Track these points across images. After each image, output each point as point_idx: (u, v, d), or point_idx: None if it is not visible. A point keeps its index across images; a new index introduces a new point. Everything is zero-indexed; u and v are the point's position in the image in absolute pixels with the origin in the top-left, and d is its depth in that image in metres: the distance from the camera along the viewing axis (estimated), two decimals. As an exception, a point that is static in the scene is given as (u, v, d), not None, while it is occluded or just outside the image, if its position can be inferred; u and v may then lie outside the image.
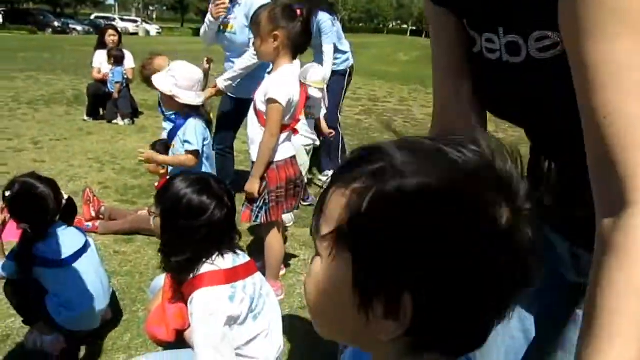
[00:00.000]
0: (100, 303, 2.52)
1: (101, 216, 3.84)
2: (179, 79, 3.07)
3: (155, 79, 3.16)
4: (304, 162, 4.20)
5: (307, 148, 4.32)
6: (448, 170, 0.52)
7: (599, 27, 0.67)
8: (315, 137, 4.44)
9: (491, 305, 0.55)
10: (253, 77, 3.87)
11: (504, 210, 0.53)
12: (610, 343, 0.60)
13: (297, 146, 4.13)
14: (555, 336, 1.08)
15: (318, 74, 4.18)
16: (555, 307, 1.08)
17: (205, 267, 1.92)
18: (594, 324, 0.63)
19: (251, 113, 2.86)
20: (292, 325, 2.77)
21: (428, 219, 0.51)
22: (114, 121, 7.43)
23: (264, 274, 2.74)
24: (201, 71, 3.51)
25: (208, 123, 3.38)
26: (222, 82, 3.99)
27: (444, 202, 0.51)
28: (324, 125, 4.64)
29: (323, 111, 4.55)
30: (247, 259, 2.08)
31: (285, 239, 3.52)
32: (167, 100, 3.17)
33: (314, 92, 4.15)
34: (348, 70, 5.41)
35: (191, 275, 1.92)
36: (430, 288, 0.52)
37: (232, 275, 1.95)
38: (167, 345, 2.14)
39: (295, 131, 2.96)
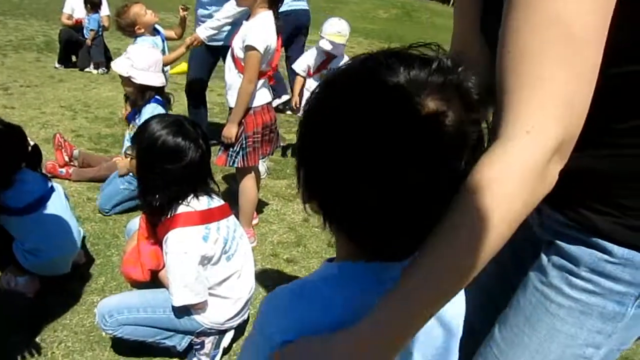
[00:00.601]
0: (69, 248, 2.53)
1: (74, 161, 3.82)
2: (135, 60, 3.13)
3: (114, 63, 3.23)
4: None
5: None
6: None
7: None
8: None
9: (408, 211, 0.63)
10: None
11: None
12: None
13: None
14: (508, 294, 1.07)
15: (333, 27, 4.08)
16: (526, 259, 1.07)
17: (180, 208, 1.97)
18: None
19: (229, 60, 2.86)
20: (264, 272, 2.86)
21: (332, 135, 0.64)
22: (87, 69, 7.27)
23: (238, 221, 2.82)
24: (159, 52, 3.50)
25: (166, 107, 3.34)
26: (203, 32, 3.92)
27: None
28: None
29: None
30: (222, 202, 2.13)
31: (258, 189, 3.57)
32: (126, 83, 3.20)
33: (324, 44, 4.06)
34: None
35: (166, 216, 1.98)
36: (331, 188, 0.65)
37: (207, 217, 2.01)
38: (141, 286, 2.20)
39: (271, 79, 2.98)
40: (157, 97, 3.21)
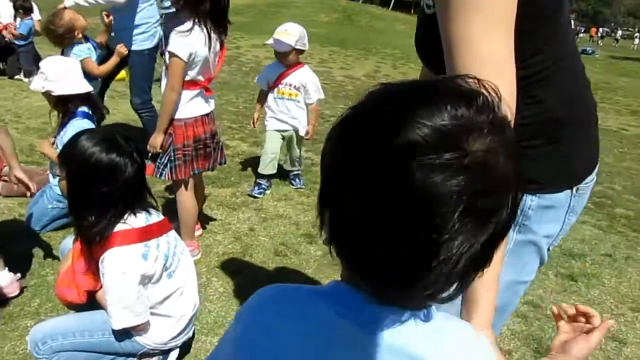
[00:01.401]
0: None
1: (4, 175, 3.61)
2: (48, 72, 2.91)
3: (30, 84, 3.06)
4: (273, 149, 4.06)
5: (285, 134, 4.11)
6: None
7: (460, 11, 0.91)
8: (297, 123, 4.08)
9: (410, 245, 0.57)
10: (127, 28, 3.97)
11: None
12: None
13: (270, 131, 4.09)
14: None
15: (282, 26, 3.89)
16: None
17: (117, 227, 1.88)
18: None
19: (163, 67, 2.77)
20: (210, 285, 2.79)
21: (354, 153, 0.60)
22: (17, 77, 6.95)
23: (179, 234, 2.72)
24: (74, 60, 3.33)
25: (99, 116, 3.16)
26: (68, 1, 3.81)
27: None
28: (313, 116, 4.14)
29: (318, 96, 4.12)
30: (161, 217, 2.05)
31: (204, 200, 3.49)
32: (48, 98, 2.98)
33: (269, 41, 3.86)
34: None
35: (102, 235, 1.88)
36: (345, 209, 0.61)
37: (145, 234, 1.92)
38: (79, 308, 2.09)
39: (208, 90, 2.88)
40: (84, 109, 2.98)
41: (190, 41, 2.59)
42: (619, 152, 6.90)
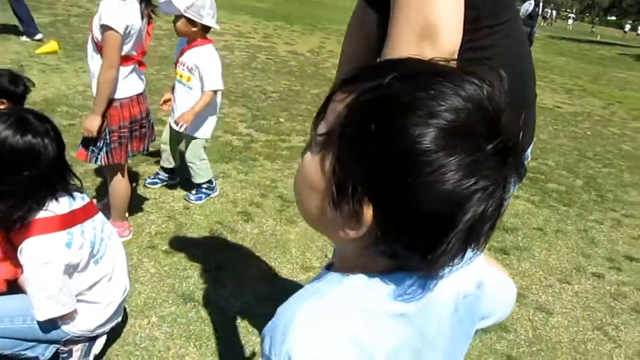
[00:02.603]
0: None
1: None
2: None
3: None
4: (164, 139, 3.48)
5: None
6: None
7: None
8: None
9: (453, 231, 0.57)
10: None
11: (484, 144, 0.56)
12: None
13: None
14: None
15: None
16: None
17: (38, 214, 1.76)
18: None
19: (89, 45, 2.60)
20: (141, 266, 2.70)
21: (397, 142, 0.55)
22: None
23: (109, 215, 2.61)
24: None
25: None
26: None
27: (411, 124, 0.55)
28: (199, 104, 3.20)
29: (212, 86, 3.21)
30: (86, 200, 1.95)
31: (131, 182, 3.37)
32: None
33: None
34: None
35: (21, 223, 1.75)
36: (392, 204, 0.57)
37: (69, 220, 1.82)
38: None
39: (142, 64, 2.75)
40: None
41: (126, 11, 2.45)
42: (554, 129, 7.14)
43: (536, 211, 4.22)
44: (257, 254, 2.99)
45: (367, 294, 0.64)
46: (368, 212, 0.58)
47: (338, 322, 0.62)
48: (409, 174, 0.55)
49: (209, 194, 3.53)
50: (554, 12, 53.80)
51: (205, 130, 3.34)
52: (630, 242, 3.94)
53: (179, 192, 3.57)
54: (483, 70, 0.59)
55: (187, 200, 3.45)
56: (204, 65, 3.16)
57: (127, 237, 2.86)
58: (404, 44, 1.00)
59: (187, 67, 3.20)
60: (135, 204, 3.23)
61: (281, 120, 5.61)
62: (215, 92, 3.24)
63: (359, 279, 0.65)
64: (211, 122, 3.37)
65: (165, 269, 2.72)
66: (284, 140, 4.97)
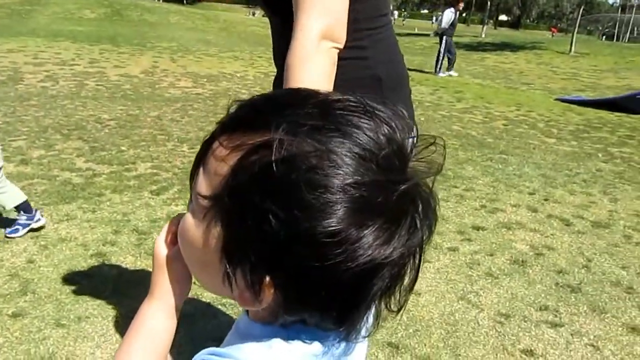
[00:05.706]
0: None
1: None
2: None
3: None
4: None
5: None
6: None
7: None
8: None
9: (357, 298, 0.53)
10: None
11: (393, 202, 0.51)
12: None
13: None
14: None
15: None
16: None
17: None
18: None
19: None
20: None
21: (299, 225, 0.47)
22: None
23: None
24: None
25: None
26: None
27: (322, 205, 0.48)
28: None
29: None
30: None
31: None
32: None
33: None
34: None
35: None
36: (297, 284, 0.51)
37: None
38: None
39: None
40: None
41: None
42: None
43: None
44: (121, 297, 2.76)
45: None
46: (269, 291, 0.51)
47: None
48: (316, 259, 0.48)
49: (29, 225, 3.29)
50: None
51: None
52: (475, 213, 4.29)
53: (18, 246, 3.20)
54: (377, 100, 0.54)
55: (7, 237, 3.14)
56: None
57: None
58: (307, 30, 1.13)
59: None
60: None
61: (123, 148, 5.30)
62: None
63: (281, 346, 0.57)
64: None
65: (16, 334, 2.41)
66: (129, 170, 4.69)
